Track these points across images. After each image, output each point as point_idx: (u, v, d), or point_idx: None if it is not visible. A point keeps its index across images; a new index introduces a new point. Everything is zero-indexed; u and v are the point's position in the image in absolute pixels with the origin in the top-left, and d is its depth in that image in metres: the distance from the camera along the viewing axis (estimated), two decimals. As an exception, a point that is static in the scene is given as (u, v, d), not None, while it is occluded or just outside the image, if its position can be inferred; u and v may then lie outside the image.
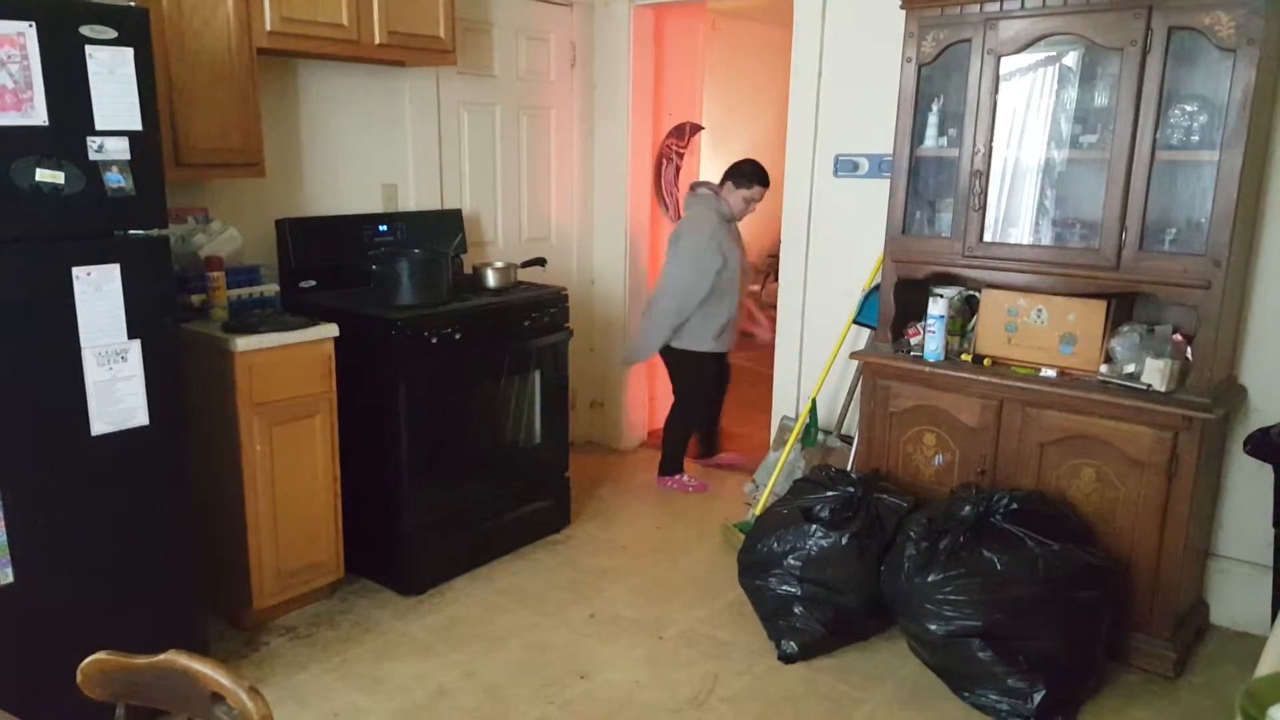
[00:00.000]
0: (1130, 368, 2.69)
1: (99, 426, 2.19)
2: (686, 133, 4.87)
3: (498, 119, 3.97)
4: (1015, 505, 2.57)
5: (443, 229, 3.60)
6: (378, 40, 3.08)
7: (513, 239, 4.13)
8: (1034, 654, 2.44)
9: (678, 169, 4.86)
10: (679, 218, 5.32)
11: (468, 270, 3.58)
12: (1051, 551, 2.47)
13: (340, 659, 2.72)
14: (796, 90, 3.68)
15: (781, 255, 3.87)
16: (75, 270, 2.10)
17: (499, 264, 3.46)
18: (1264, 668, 1.21)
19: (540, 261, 3.71)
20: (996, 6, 2.75)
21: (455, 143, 3.81)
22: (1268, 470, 2.73)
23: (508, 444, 3.37)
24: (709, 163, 5.58)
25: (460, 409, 3.13)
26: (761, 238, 6.57)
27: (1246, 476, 2.88)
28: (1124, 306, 2.81)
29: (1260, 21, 2.38)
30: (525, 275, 3.57)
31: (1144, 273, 2.62)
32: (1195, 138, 2.59)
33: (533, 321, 3.34)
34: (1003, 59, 2.79)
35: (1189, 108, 2.59)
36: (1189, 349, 2.67)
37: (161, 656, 1.11)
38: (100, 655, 1.15)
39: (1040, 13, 2.69)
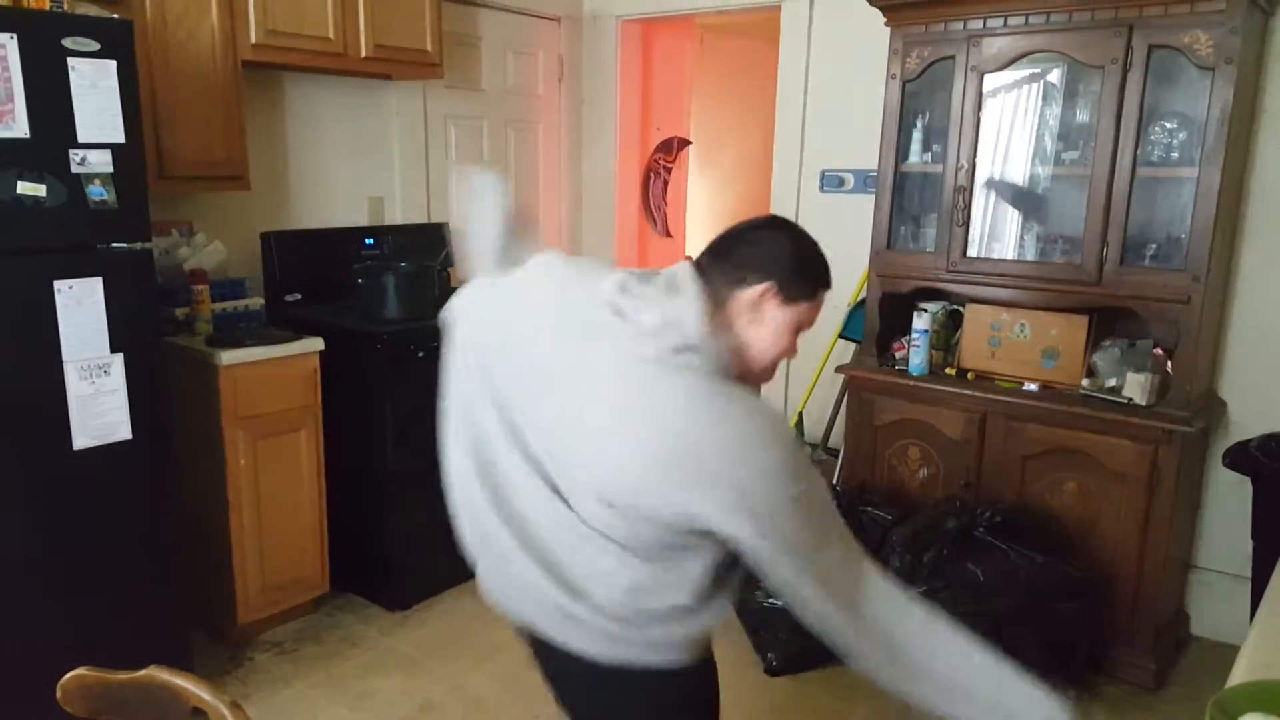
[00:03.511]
0: (1112, 382, 2.71)
1: (81, 440, 2.17)
2: (674, 147, 4.90)
3: (485, 133, 3.98)
4: (998, 518, 2.58)
5: (429, 242, 3.60)
6: (364, 53, 3.08)
7: (499, 252, 4.12)
8: (1016, 665, 2.44)
9: (665, 184, 4.89)
10: (667, 234, 5.31)
11: (454, 284, 3.57)
12: (1034, 564, 2.49)
13: (325, 674, 2.70)
14: (783, 106, 3.71)
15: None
16: (57, 284, 2.09)
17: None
18: (1235, 678, 1.22)
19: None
20: (980, 24, 2.79)
21: (442, 156, 3.81)
22: (1247, 483, 2.75)
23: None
24: (696, 178, 5.60)
25: (446, 422, 3.12)
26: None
27: (1226, 489, 2.91)
28: (1106, 321, 2.83)
29: (1238, 41, 2.42)
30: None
31: (1125, 288, 2.65)
32: (1175, 154, 2.63)
33: (519, 334, 3.34)
34: (986, 76, 2.82)
35: (1169, 125, 2.63)
36: (1169, 363, 2.70)
37: (143, 672, 1.11)
38: (81, 670, 1.14)
39: (1023, 30, 2.72)
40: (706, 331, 1.19)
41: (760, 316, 1.25)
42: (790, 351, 1.31)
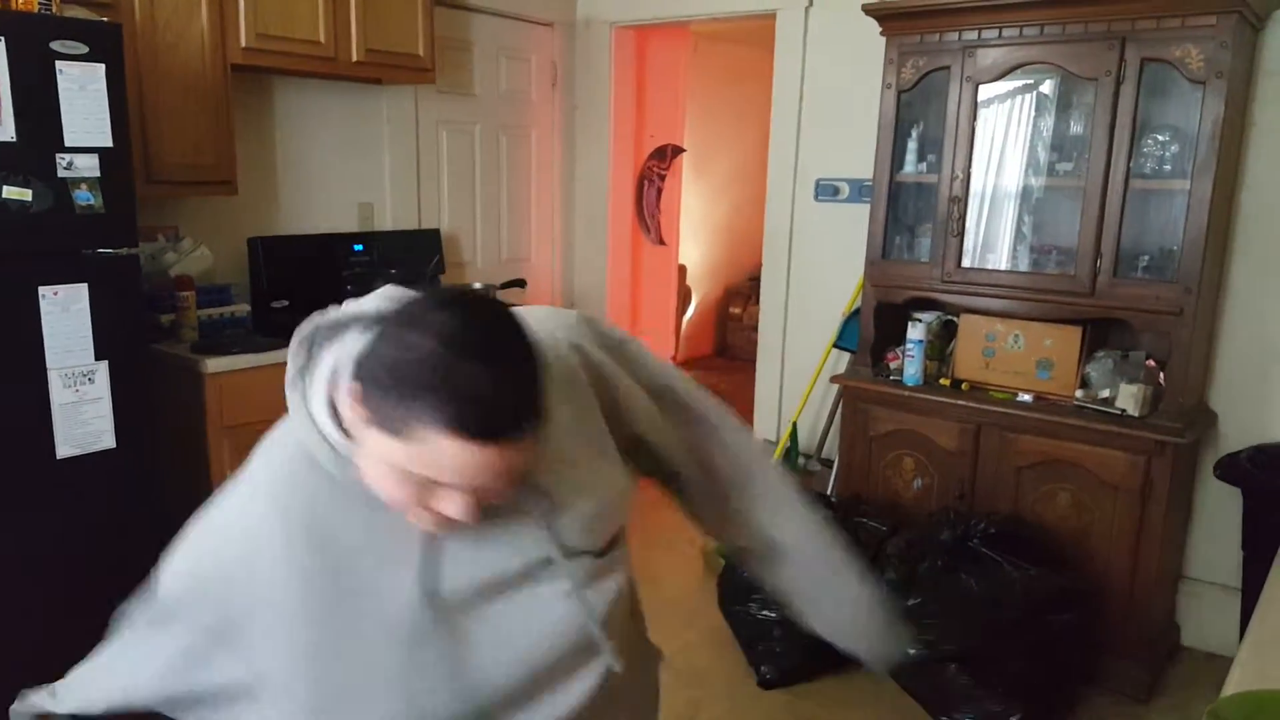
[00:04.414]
0: (1105, 393, 2.71)
1: (65, 449, 2.14)
2: (668, 155, 4.90)
3: (477, 138, 3.96)
4: (992, 529, 2.57)
5: (420, 249, 3.57)
6: (355, 58, 3.06)
7: (491, 259, 4.10)
8: (1010, 677, 2.44)
9: (659, 191, 4.88)
10: (660, 242, 5.30)
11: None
12: (1028, 575, 2.48)
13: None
14: (778, 114, 3.70)
15: (762, 279, 3.88)
16: (42, 289, 2.06)
17: (477, 285, 3.45)
18: (1230, 688, 1.21)
19: (520, 283, 3.69)
20: (975, 35, 2.79)
21: (433, 162, 3.79)
22: (1237, 494, 2.76)
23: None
24: (690, 185, 5.60)
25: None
26: (744, 260, 6.60)
27: (1216, 500, 2.91)
28: (1099, 332, 2.84)
29: (1228, 56, 2.43)
30: (504, 296, 3.55)
31: (1118, 299, 2.65)
32: (1167, 167, 2.64)
33: (510, 342, 3.31)
34: (981, 86, 2.82)
35: (1161, 137, 2.64)
36: (1161, 374, 2.70)
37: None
38: (63, 690, 1.11)
39: (1017, 42, 2.73)
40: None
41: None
42: (408, 510, 0.82)
